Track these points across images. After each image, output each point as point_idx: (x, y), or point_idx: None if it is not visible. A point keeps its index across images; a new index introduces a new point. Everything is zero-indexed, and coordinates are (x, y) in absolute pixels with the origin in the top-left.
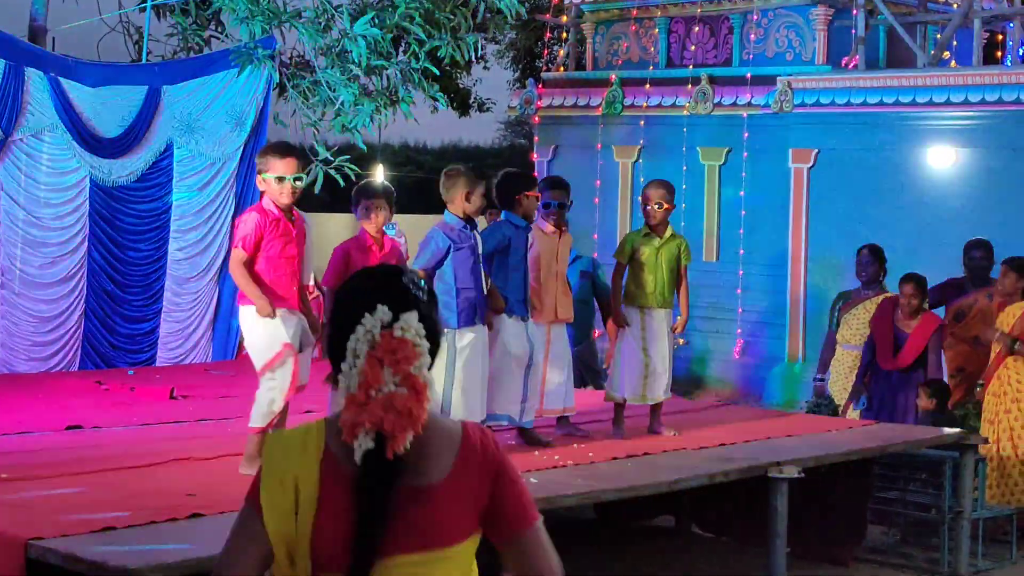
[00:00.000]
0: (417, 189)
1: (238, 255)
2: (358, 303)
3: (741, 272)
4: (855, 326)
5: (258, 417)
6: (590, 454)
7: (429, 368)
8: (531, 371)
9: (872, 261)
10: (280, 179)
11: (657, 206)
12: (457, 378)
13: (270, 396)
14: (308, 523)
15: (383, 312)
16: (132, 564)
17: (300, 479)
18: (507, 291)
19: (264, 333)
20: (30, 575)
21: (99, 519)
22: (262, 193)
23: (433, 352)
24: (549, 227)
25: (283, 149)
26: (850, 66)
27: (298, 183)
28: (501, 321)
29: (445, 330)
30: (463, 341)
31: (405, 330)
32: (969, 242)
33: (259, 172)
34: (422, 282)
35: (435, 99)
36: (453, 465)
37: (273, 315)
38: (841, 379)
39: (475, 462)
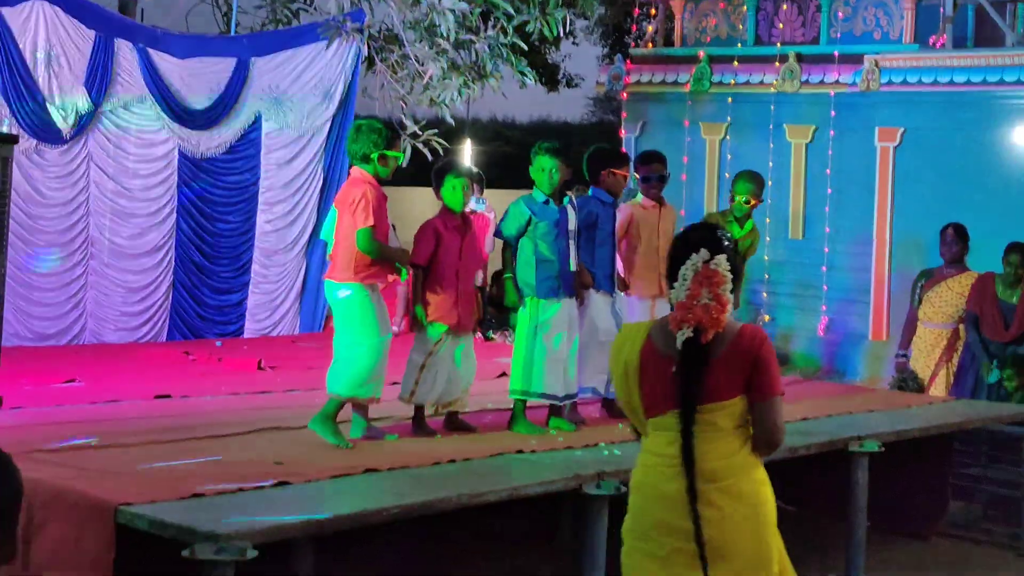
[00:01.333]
0: (505, 164)
1: (373, 230)
2: (688, 247)
3: (827, 250)
4: (937, 304)
5: (348, 387)
6: None
7: (731, 291)
8: None
9: (956, 240)
10: (398, 158)
11: (745, 202)
12: (539, 348)
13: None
14: (635, 383)
15: (704, 254)
16: (220, 530)
17: (630, 356)
18: (593, 267)
19: (378, 314)
20: (119, 540)
21: (187, 486)
22: (351, 167)
23: (735, 282)
24: (647, 201)
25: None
26: (938, 45)
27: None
28: (589, 296)
29: (527, 299)
30: (546, 313)
31: (718, 265)
32: None
33: (380, 149)
34: (728, 234)
35: (523, 74)
36: (727, 348)
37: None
38: (923, 356)
39: (743, 349)
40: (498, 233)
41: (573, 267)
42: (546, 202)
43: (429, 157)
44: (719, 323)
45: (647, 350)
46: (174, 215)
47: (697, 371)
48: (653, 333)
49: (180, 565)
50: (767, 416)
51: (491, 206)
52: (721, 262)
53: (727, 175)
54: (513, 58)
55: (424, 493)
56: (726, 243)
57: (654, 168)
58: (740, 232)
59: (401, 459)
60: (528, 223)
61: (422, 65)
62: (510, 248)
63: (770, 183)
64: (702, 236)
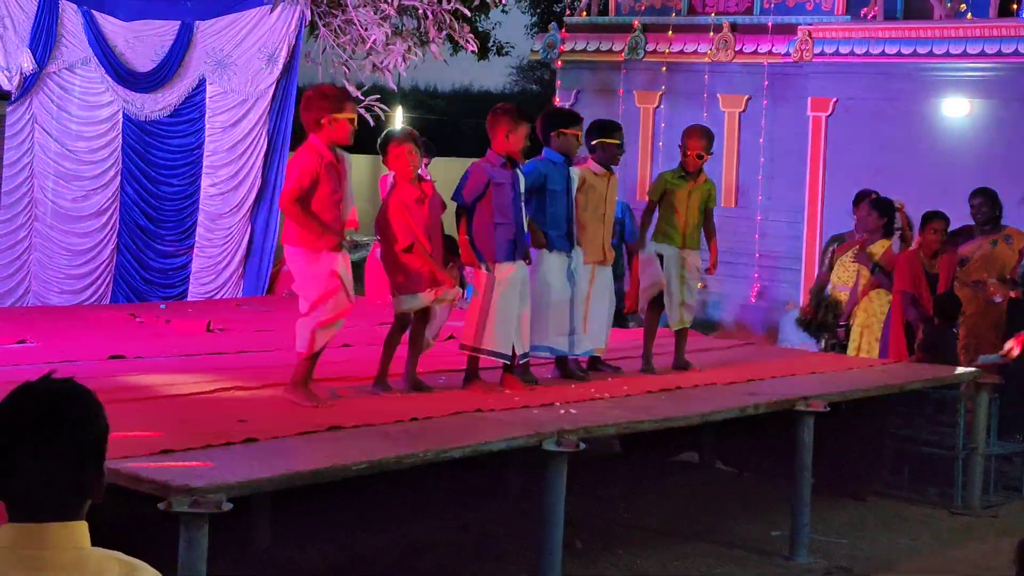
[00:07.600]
0: (430, 133)
1: (293, 193)
2: None
3: (759, 218)
4: (851, 268)
5: (304, 343)
6: (625, 388)
7: None
8: (575, 305)
9: (871, 210)
10: (351, 120)
11: (698, 157)
12: (492, 308)
13: (320, 327)
14: None
15: None
16: (195, 484)
17: None
18: (547, 227)
19: (321, 270)
20: None
21: (156, 443)
22: (310, 134)
23: None
24: (599, 168)
25: (347, 91)
26: (869, 16)
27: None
28: (542, 256)
29: (484, 262)
30: (502, 274)
31: None
32: (971, 192)
33: (329, 113)
34: None
35: (456, 42)
36: None
37: (339, 248)
38: None
39: None
40: (457, 198)
41: (526, 228)
42: (504, 164)
43: (371, 123)
44: None
45: None
46: (118, 178)
47: None
48: None
49: (154, 520)
50: None
51: (428, 171)
52: None
53: (661, 144)
54: (456, 25)
55: (391, 449)
56: None
57: (617, 136)
58: (694, 186)
59: (364, 417)
60: (487, 187)
61: (365, 30)
62: (466, 213)
63: None
64: None
